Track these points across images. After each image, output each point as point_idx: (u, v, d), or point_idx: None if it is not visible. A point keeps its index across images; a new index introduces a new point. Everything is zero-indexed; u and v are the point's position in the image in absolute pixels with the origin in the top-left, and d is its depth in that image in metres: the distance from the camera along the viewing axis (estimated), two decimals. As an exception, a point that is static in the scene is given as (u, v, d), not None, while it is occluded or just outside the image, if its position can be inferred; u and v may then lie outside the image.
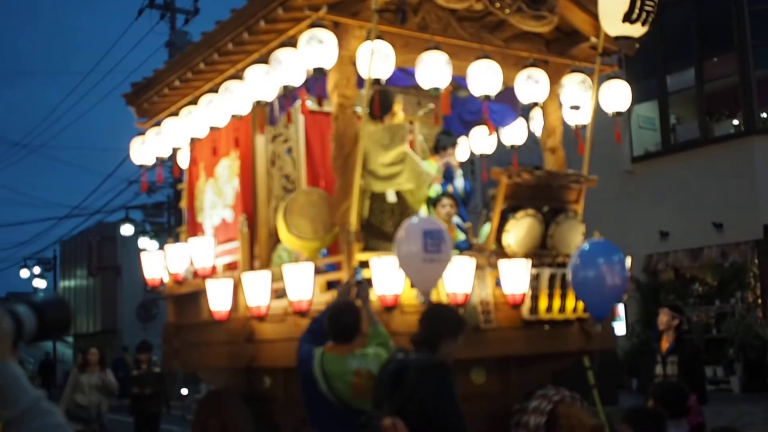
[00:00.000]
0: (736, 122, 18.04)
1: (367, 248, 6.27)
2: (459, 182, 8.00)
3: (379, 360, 4.73)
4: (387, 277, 5.78)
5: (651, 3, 6.22)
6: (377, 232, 6.76)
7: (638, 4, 6.18)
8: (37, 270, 41.70)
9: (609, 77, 7.29)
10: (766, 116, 17.75)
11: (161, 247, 8.81)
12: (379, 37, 6.03)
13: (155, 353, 12.34)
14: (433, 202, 7.46)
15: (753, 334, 15.58)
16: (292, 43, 6.19)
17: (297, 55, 6.09)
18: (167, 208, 27.14)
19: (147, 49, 21.57)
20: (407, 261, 5.46)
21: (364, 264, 5.89)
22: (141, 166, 8.55)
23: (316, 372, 4.77)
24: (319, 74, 6.06)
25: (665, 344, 7.36)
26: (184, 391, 20.32)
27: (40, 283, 41.81)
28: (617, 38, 6.48)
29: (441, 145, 7.99)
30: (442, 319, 4.37)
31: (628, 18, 6.22)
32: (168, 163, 9.43)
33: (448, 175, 7.97)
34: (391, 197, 6.93)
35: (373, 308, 5.46)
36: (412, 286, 5.68)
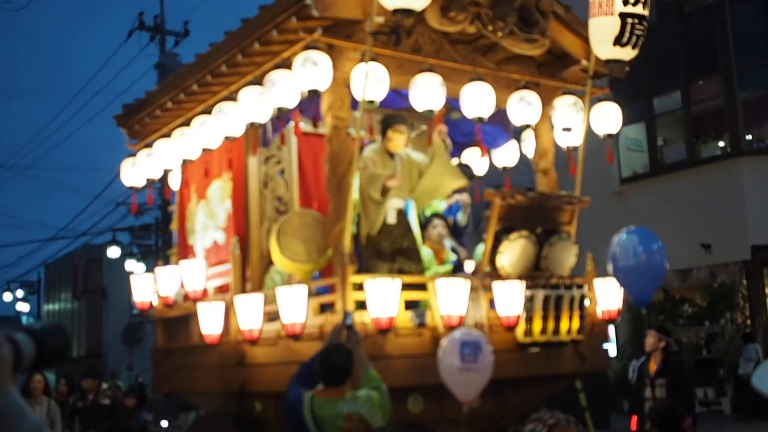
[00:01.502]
0: (722, 144, 18.17)
1: (367, 269, 6.26)
2: (462, 218, 7.97)
3: (371, 403, 4.65)
4: (381, 300, 5.76)
5: (641, 27, 6.26)
6: (374, 251, 6.75)
7: (628, 27, 6.21)
8: (20, 293, 41.37)
9: (600, 99, 7.32)
10: (752, 138, 17.90)
11: (148, 270, 8.75)
12: (373, 59, 6.04)
13: (142, 377, 11.58)
14: (423, 225, 7.46)
15: (743, 355, 15.60)
16: (286, 65, 6.20)
17: (291, 76, 6.09)
18: (155, 230, 27.03)
19: (136, 71, 21.59)
20: (447, 372, 5.73)
21: (358, 292, 5.87)
22: (131, 188, 8.51)
23: (306, 417, 4.66)
24: (313, 96, 6.06)
25: (653, 366, 7.36)
26: (164, 423, 19.13)
27: (23, 307, 41.50)
28: (608, 61, 6.51)
29: None
30: None
31: (618, 41, 6.26)
32: (157, 184, 9.41)
33: (455, 208, 7.97)
34: (391, 218, 6.92)
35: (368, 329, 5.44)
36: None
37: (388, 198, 6.83)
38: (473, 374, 5.69)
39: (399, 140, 7.07)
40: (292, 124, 6.87)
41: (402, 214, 7.02)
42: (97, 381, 9.19)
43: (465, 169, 7.86)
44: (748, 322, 16.67)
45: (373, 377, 4.88)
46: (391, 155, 7.08)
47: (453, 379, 5.72)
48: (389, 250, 6.83)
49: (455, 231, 7.89)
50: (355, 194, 6.41)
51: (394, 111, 7.28)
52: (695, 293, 17.88)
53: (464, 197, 8.00)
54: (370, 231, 6.81)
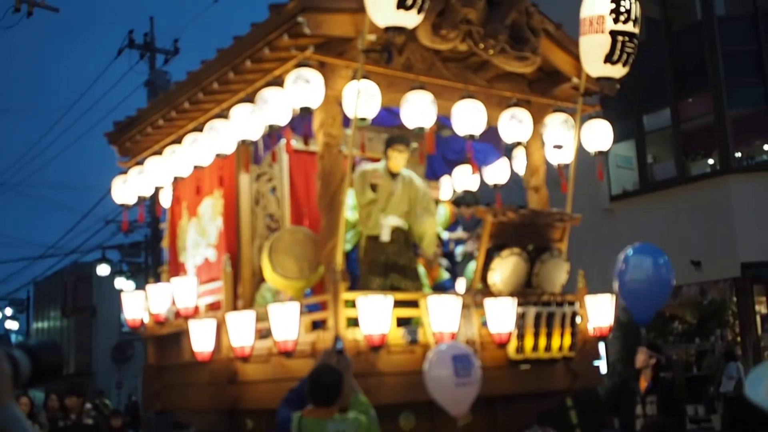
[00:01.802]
0: (711, 161, 18.26)
1: (363, 284, 6.27)
2: (459, 255, 7.97)
3: (359, 425, 4.65)
4: (374, 317, 5.76)
5: (631, 44, 6.31)
6: (367, 267, 6.75)
7: (619, 45, 6.26)
8: (9, 311, 41.18)
9: (590, 117, 7.36)
10: (741, 155, 18.00)
11: (138, 288, 8.72)
12: (364, 77, 6.07)
13: (135, 395, 11.33)
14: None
15: (733, 372, 15.60)
16: (278, 82, 6.21)
17: (283, 94, 6.10)
18: (145, 248, 26.93)
19: (126, 88, 21.56)
20: (440, 387, 5.69)
21: (351, 303, 5.87)
22: (122, 205, 8.49)
23: None
24: (305, 113, 6.07)
25: (644, 383, 7.36)
26: None
27: (12, 325, 41.29)
28: (599, 79, 6.55)
29: (465, 201, 7.95)
30: None
31: (609, 59, 6.30)
32: (148, 202, 9.38)
33: (452, 229, 7.99)
34: (385, 236, 6.93)
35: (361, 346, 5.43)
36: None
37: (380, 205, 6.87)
38: (467, 388, 5.68)
39: (398, 159, 7.09)
40: (283, 141, 6.88)
41: (399, 232, 7.01)
42: (81, 399, 8.74)
43: (470, 196, 7.87)
44: (738, 339, 16.70)
45: (362, 402, 4.88)
46: (393, 175, 7.09)
47: (447, 394, 5.70)
48: (382, 266, 6.83)
49: (449, 258, 7.90)
50: (348, 212, 6.42)
51: (398, 130, 7.28)
52: (685, 310, 17.90)
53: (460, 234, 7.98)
54: (370, 234, 6.83)
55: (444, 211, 7.99)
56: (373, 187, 6.91)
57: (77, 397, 8.67)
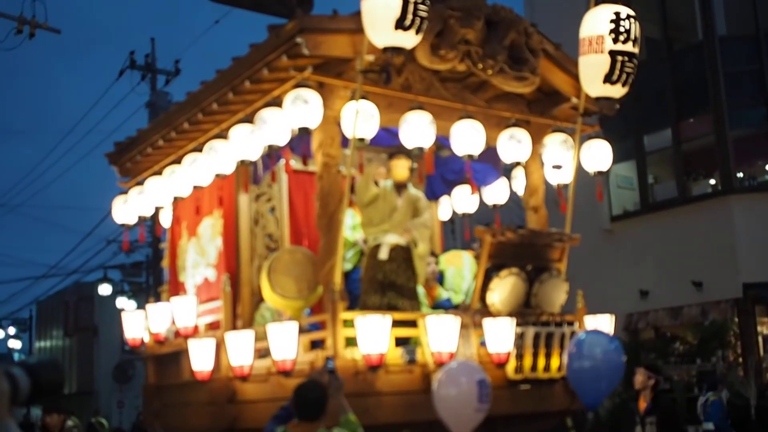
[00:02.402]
0: (713, 182, 18.24)
1: (362, 304, 6.27)
2: None
3: None
4: (372, 336, 5.75)
5: (631, 64, 6.32)
6: (369, 285, 6.73)
7: (618, 65, 6.27)
8: (12, 330, 41.14)
9: (590, 137, 7.37)
10: (743, 176, 17.99)
11: (139, 308, 8.72)
12: (363, 98, 6.09)
13: (132, 414, 10.99)
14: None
15: (735, 393, 15.53)
16: (277, 102, 6.24)
17: (282, 114, 6.13)
18: (146, 268, 26.94)
19: (127, 110, 21.64)
20: (460, 413, 5.66)
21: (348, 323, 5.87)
22: (123, 225, 8.51)
23: None
24: (303, 134, 6.09)
25: (643, 404, 7.33)
26: None
27: (15, 344, 41.20)
28: (598, 99, 6.55)
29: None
30: None
31: (608, 79, 6.31)
32: (149, 222, 9.39)
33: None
34: (383, 254, 6.91)
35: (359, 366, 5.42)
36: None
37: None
38: (482, 414, 5.72)
39: (399, 168, 7.05)
40: (282, 161, 6.91)
41: (398, 250, 6.88)
42: (62, 417, 8.19)
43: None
44: (740, 360, 16.63)
45: (352, 422, 4.89)
46: (398, 188, 7.06)
47: (465, 419, 5.68)
48: (379, 284, 6.81)
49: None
50: (347, 232, 6.42)
51: (396, 150, 7.25)
52: (686, 331, 17.82)
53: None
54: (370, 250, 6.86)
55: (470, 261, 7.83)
56: (376, 183, 6.92)
57: (58, 415, 8.16)
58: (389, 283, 6.82)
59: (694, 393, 16.31)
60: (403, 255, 6.99)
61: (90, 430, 18.68)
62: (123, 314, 8.39)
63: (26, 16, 13.07)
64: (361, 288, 6.81)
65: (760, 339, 17.03)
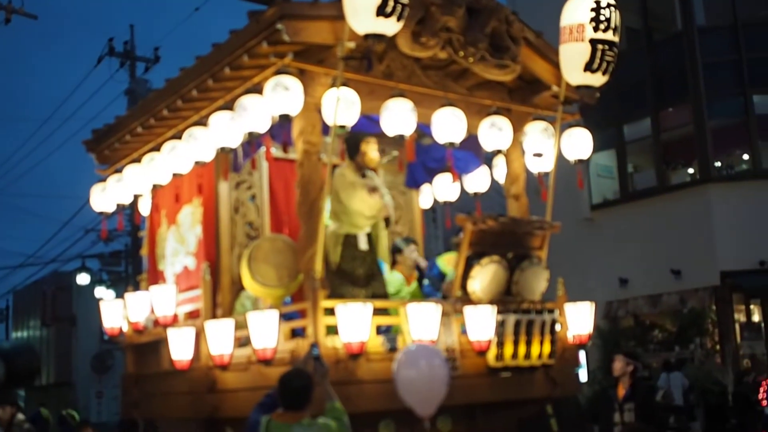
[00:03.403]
0: (691, 171, 18.39)
1: (336, 295, 6.24)
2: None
3: (328, 430, 4.66)
4: (353, 324, 5.74)
5: (611, 53, 6.33)
6: (348, 278, 6.74)
7: (599, 54, 6.28)
8: (-12, 320, 40.84)
9: (570, 125, 7.37)
10: (721, 165, 18.13)
11: (118, 297, 8.66)
12: (344, 85, 6.06)
13: (112, 405, 10.77)
14: (398, 250, 7.45)
15: (712, 380, 15.70)
16: (257, 89, 6.19)
17: (262, 101, 6.08)
18: (125, 257, 26.81)
19: (106, 97, 21.48)
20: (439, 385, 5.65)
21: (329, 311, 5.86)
22: (101, 214, 8.42)
23: None
24: (284, 121, 6.05)
25: (621, 391, 7.39)
26: None
27: (-9, 334, 40.88)
28: (578, 87, 6.57)
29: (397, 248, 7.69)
30: None
31: (589, 68, 6.33)
32: (127, 210, 9.32)
33: (435, 270, 7.90)
34: (363, 244, 6.92)
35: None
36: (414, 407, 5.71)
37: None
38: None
39: (373, 151, 7.07)
40: (263, 149, 6.86)
41: (370, 240, 7.03)
42: (13, 410, 7.66)
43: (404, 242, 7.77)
44: (717, 347, 16.80)
45: (338, 409, 4.88)
46: (363, 174, 7.06)
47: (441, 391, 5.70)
48: (363, 276, 6.83)
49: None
50: (326, 219, 6.40)
51: (378, 137, 7.22)
52: (665, 319, 18.01)
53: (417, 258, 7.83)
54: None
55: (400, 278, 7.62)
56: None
57: (11, 407, 7.75)
58: (371, 274, 6.88)
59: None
60: (372, 246, 7.06)
61: (61, 422, 18.54)
62: (101, 304, 8.32)
63: (2, 2, 12.92)
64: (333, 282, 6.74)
65: (737, 326, 17.23)
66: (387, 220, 7.18)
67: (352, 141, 7.04)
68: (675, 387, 14.52)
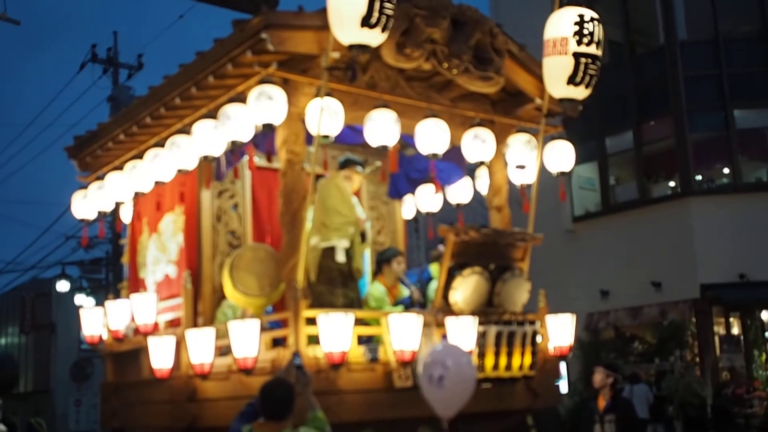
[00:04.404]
0: (672, 184, 18.50)
1: (316, 303, 6.24)
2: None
3: None
4: (334, 334, 5.73)
5: (594, 66, 6.37)
6: (325, 299, 6.74)
7: (582, 67, 6.31)
8: (-33, 327, 40.42)
9: (553, 138, 7.40)
10: (701, 178, 18.25)
11: (98, 305, 8.61)
12: (328, 95, 6.07)
13: (90, 414, 10.73)
14: (387, 260, 7.42)
15: (692, 392, 15.76)
16: (240, 98, 6.18)
17: (246, 110, 6.08)
18: (105, 265, 26.63)
19: (89, 103, 21.38)
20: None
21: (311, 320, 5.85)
22: (82, 221, 8.39)
23: None
24: (268, 130, 6.05)
25: (602, 403, 7.41)
26: None
27: (-31, 341, 40.48)
28: (561, 100, 6.59)
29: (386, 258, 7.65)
30: None
31: (572, 80, 6.35)
32: (109, 218, 9.27)
33: (425, 275, 7.89)
34: (341, 257, 6.93)
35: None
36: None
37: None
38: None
39: (357, 181, 7.29)
40: (246, 158, 6.85)
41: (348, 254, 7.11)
42: None
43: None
44: (697, 359, 16.88)
45: (320, 419, 4.86)
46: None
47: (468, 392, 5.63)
48: (339, 284, 6.90)
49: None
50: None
51: (361, 148, 7.28)
52: (645, 331, 18.09)
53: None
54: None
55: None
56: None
57: None
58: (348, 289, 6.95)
59: (652, 392, 16.55)
60: (350, 260, 7.16)
61: (29, 431, 18.41)
62: (81, 311, 8.28)
63: (-15, 8, 12.85)
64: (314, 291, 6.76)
65: (716, 339, 17.31)
66: (363, 235, 7.22)
67: (344, 162, 7.28)
68: (639, 399, 14.54)
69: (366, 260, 7.68)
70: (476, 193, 8.25)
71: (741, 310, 17.68)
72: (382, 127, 6.38)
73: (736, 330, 17.78)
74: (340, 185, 7.19)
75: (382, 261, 7.48)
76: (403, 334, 6.04)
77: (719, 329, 17.56)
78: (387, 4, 5.43)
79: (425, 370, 5.48)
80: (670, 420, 16.22)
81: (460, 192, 8.26)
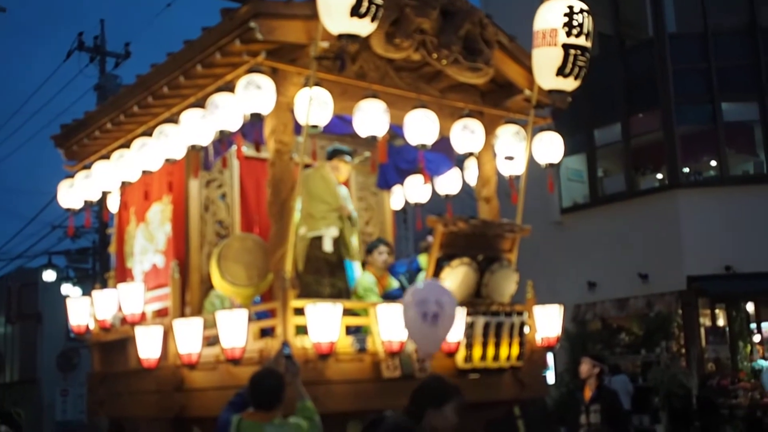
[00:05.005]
0: (660, 176, 18.56)
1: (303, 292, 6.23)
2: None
3: (299, 430, 4.64)
4: (322, 324, 5.73)
5: (583, 58, 6.37)
6: (312, 288, 6.73)
7: (571, 59, 6.32)
8: (-48, 317, 40.24)
9: (542, 129, 7.40)
10: (689, 171, 18.30)
11: (85, 294, 8.58)
12: (317, 84, 6.05)
13: (77, 403, 10.85)
14: (368, 251, 7.44)
15: (677, 383, 15.82)
16: (229, 87, 6.16)
17: (234, 100, 6.06)
18: (92, 254, 26.54)
19: (75, 92, 21.26)
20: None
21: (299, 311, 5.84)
22: (68, 210, 8.34)
23: None
24: (256, 120, 6.03)
25: (588, 393, 7.45)
26: None
27: (-46, 331, 40.29)
28: (550, 91, 6.60)
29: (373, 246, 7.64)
30: (424, 391, 4.25)
31: (561, 72, 6.36)
32: (95, 207, 9.22)
33: (415, 265, 7.87)
34: (328, 246, 6.92)
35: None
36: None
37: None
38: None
39: (344, 171, 7.26)
40: (234, 147, 6.83)
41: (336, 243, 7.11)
42: None
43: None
44: (683, 351, 16.96)
45: (309, 408, 4.87)
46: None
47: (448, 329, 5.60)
48: (327, 274, 6.89)
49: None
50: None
51: (350, 138, 7.28)
52: (632, 322, 18.16)
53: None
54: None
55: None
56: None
57: None
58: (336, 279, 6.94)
59: (638, 383, 16.64)
60: (337, 249, 7.16)
61: (8, 420, 18.40)
62: (68, 301, 8.25)
63: (-29, -5, 12.75)
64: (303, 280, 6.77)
65: (702, 330, 17.39)
66: (351, 219, 7.21)
67: (333, 152, 7.30)
68: (619, 390, 14.57)
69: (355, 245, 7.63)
70: (465, 184, 8.25)
71: (727, 302, 17.75)
72: (371, 118, 6.37)
73: (721, 322, 17.86)
74: (325, 175, 7.19)
75: (366, 251, 7.49)
76: (392, 324, 6.04)
77: (705, 321, 17.63)
78: (377, -6, 5.42)
79: (417, 308, 5.40)
80: (655, 411, 16.29)
81: (449, 183, 8.25)
